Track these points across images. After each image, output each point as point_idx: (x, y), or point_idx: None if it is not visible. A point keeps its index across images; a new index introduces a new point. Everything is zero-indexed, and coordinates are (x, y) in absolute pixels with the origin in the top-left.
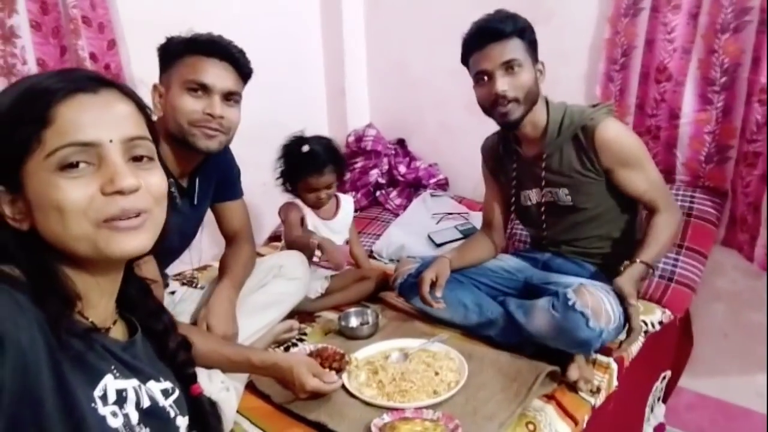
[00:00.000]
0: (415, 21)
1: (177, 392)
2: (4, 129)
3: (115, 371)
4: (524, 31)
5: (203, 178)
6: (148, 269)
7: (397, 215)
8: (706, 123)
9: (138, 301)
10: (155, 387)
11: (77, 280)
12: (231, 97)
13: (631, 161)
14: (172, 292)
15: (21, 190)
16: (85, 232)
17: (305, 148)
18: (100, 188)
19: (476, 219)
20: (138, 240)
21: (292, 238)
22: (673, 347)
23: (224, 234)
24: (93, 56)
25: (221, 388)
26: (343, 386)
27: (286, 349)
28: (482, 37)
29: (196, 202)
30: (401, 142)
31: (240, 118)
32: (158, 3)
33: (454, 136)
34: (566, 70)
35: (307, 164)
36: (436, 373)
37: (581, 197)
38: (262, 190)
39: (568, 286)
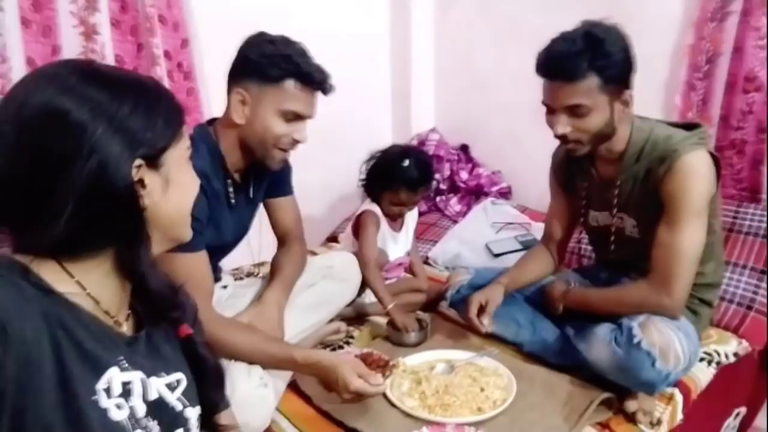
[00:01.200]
0: (484, 25)
1: (184, 383)
2: (167, 114)
3: (122, 362)
4: (605, 67)
5: (258, 173)
6: None
7: (456, 222)
8: None
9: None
10: (158, 383)
11: (114, 275)
12: None
13: (673, 207)
14: (225, 287)
15: (160, 170)
16: (189, 212)
17: (407, 162)
18: None
19: (538, 230)
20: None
21: (371, 273)
22: (750, 382)
23: (276, 232)
24: (167, 54)
25: (259, 384)
26: (384, 394)
27: (332, 351)
28: (551, 70)
29: (251, 196)
30: (464, 148)
31: None
32: (232, 4)
33: (520, 143)
34: (644, 78)
35: (405, 179)
36: (482, 389)
37: (649, 230)
38: (322, 191)
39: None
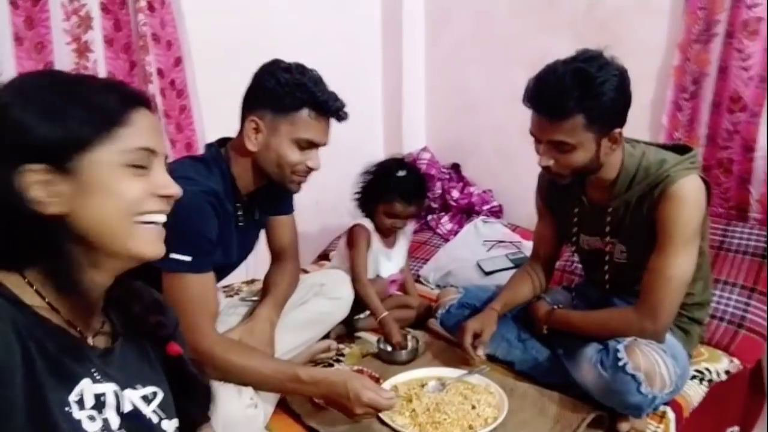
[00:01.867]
0: (476, 46)
1: (161, 395)
2: (80, 116)
3: (95, 374)
4: (593, 108)
5: (265, 195)
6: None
7: (447, 241)
8: None
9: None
10: (133, 395)
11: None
12: None
13: (666, 234)
14: None
15: (72, 174)
16: (127, 226)
17: (402, 172)
18: (151, 190)
19: (529, 248)
20: (161, 246)
21: (362, 286)
22: (742, 400)
23: (271, 249)
24: (160, 72)
25: (249, 404)
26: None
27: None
28: (537, 103)
29: (257, 217)
30: (456, 167)
31: None
32: (225, 23)
33: (511, 162)
34: (632, 99)
35: (399, 190)
36: (473, 407)
37: (637, 256)
38: (314, 209)
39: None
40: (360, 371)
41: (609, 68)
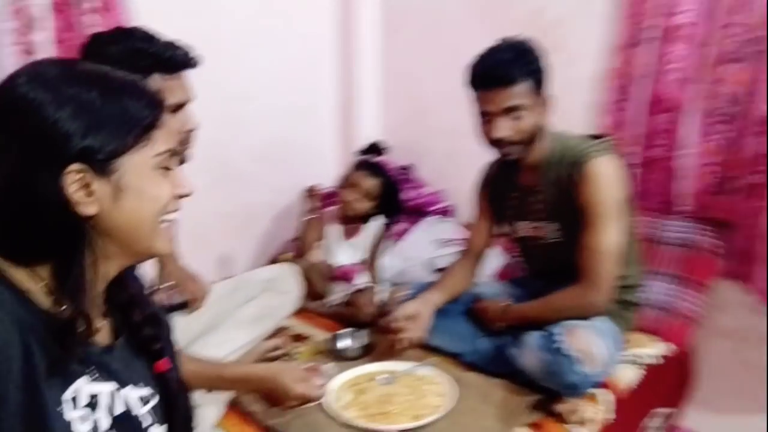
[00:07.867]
0: (427, 49)
1: (156, 399)
2: (119, 121)
3: (93, 373)
4: (536, 72)
5: None
6: None
7: (399, 239)
8: (711, 154)
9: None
10: (133, 393)
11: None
12: None
13: (590, 211)
14: None
15: (110, 176)
16: (155, 226)
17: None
18: (173, 191)
19: None
20: (172, 242)
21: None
22: (673, 382)
23: None
24: None
25: None
26: (326, 407)
27: None
28: (488, 79)
29: None
30: (409, 168)
31: None
32: (176, 25)
33: (463, 162)
34: (571, 100)
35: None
36: (421, 397)
37: (571, 234)
38: (267, 211)
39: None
40: (314, 368)
41: (532, 42)
